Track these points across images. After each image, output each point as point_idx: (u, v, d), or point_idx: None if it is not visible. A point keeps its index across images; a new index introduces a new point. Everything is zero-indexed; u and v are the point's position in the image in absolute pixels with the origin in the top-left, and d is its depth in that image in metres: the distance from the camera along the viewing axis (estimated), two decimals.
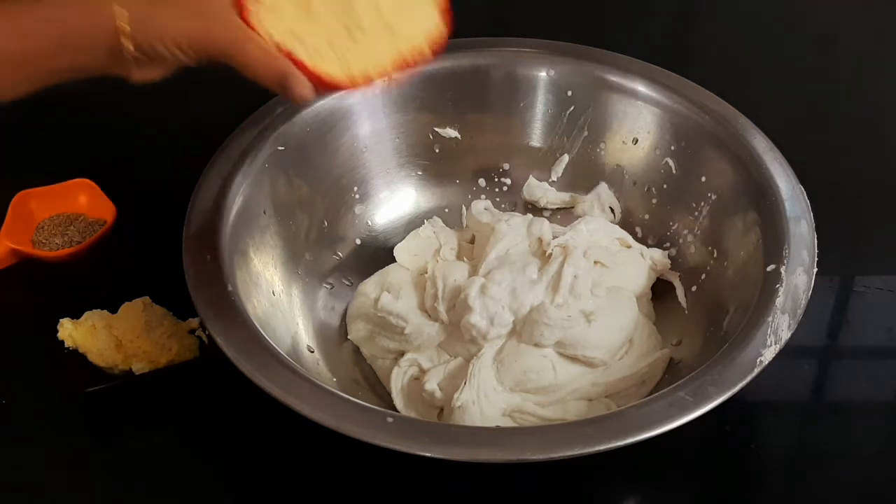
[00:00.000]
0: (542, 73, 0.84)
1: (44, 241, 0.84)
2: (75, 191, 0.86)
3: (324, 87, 0.60)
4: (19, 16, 0.54)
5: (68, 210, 0.86)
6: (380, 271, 0.80)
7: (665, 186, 0.82)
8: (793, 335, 0.63)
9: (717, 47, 1.09)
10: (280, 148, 0.77)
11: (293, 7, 0.59)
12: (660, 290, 0.79)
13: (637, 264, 0.78)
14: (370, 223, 0.85)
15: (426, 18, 0.63)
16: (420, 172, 0.86)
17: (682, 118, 0.80)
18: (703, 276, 0.77)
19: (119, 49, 0.55)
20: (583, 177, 0.85)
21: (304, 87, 0.57)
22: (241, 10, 0.57)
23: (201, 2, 0.56)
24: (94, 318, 0.74)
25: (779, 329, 0.63)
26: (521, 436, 0.61)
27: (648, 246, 0.81)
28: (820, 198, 0.72)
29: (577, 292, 0.71)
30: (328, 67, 0.59)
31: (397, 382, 0.72)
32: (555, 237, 0.75)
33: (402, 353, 0.74)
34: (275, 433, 0.70)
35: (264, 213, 0.75)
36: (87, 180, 0.86)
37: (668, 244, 0.81)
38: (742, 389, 0.60)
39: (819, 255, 0.68)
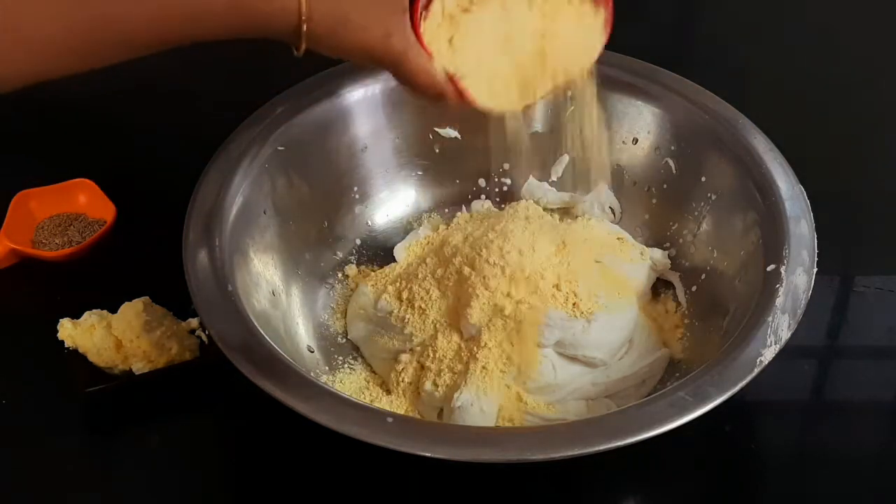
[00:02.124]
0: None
1: (44, 241, 0.84)
2: (75, 191, 0.86)
3: (470, 105, 0.61)
4: None
5: (68, 210, 0.86)
6: (379, 271, 0.80)
7: (665, 186, 0.82)
8: (793, 335, 0.63)
9: (716, 47, 1.09)
10: (280, 148, 0.77)
11: (455, 26, 0.60)
12: (660, 290, 0.80)
13: (637, 264, 0.78)
14: (370, 223, 0.85)
15: (586, 52, 0.64)
16: (420, 172, 0.86)
17: (682, 118, 0.80)
18: (703, 276, 0.77)
19: (293, 37, 0.55)
20: (583, 177, 0.85)
21: (454, 106, 0.61)
22: (414, 24, 0.58)
23: (388, 16, 0.56)
24: (94, 318, 0.73)
25: (779, 329, 0.63)
26: (521, 436, 0.61)
27: (648, 246, 0.81)
28: (820, 198, 0.72)
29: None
30: (477, 91, 0.61)
31: (397, 382, 0.73)
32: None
33: (402, 353, 0.74)
34: (275, 433, 0.70)
35: (264, 213, 0.75)
36: (87, 180, 0.86)
37: (668, 244, 0.81)
38: (742, 389, 0.60)
39: (819, 255, 0.68)
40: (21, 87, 0.50)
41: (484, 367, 0.69)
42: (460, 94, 0.61)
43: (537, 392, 0.70)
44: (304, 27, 0.54)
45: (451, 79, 0.60)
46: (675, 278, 0.79)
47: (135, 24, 0.50)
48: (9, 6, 0.48)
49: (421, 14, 0.59)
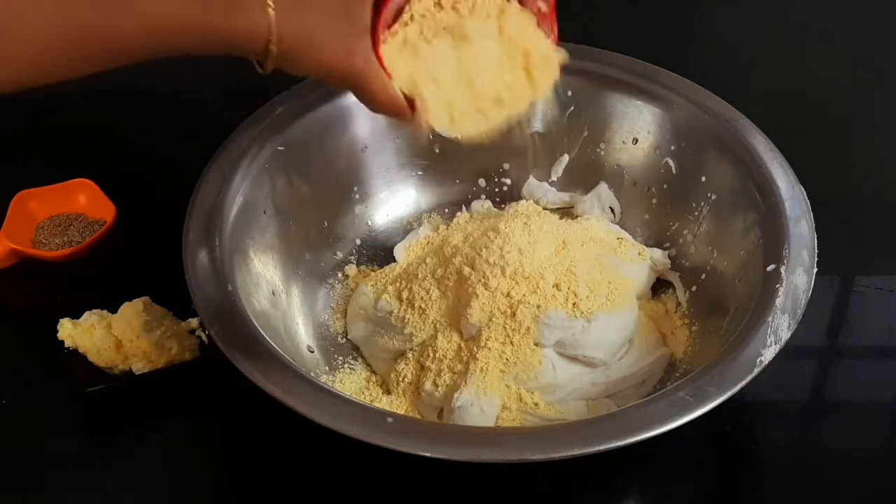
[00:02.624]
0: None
1: (44, 241, 0.84)
2: (75, 191, 0.86)
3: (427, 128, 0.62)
4: None
5: (68, 210, 0.86)
6: (379, 271, 0.80)
7: (665, 186, 0.82)
8: (793, 335, 0.63)
9: (716, 47, 1.09)
10: (280, 148, 0.77)
11: (416, 53, 0.61)
12: (660, 290, 0.80)
13: (637, 264, 0.78)
14: (370, 223, 0.85)
15: (537, 91, 0.64)
16: (420, 172, 0.86)
17: (682, 118, 0.80)
18: (703, 276, 0.77)
19: (259, 56, 0.56)
20: (583, 177, 0.85)
21: (418, 127, 0.62)
22: (374, 44, 0.59)
23: (350, 37, 0.57)
24: (93, 318, 0.73)
25: (779, 329, 0.63)
26: (521, 436, 0.61)
27: (648, 246, 0.81)
28: (820, 198, 0.72)
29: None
30: (434, 115, 0.61)
31: (397, 382, 0.73)
32: None
33: (402, 353, 0.74)
34: (275, 433, 0.70)
35: (264, 213, 0.75)
36: (87, 180, 0.86)
37: (668, 244, 0.81)
38: (742, 389, 0.60)
39: (819, 255, 0.68)
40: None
41: (484, 367, 0.69)
42: (412, 106, 0.62)
43: (537, 392, 0.70)
44: (273, 48, 0.55)
45: (409, 100, 0.61)
46: (675, 278, 0.79)
47: (98, 35, 0.51)
48: None
49: (382, 36, 0.59)
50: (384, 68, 0.59)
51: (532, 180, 0.86)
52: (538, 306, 0.69)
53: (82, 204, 0.86)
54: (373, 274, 0.80)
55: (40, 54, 0.50)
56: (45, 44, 0.50)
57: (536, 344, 0.70)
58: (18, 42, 0.49)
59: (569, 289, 0.71)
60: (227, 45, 0.55)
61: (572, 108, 0.84)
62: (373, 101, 0.60)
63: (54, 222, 0.85)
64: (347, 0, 0.57)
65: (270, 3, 0.54)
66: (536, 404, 0.70)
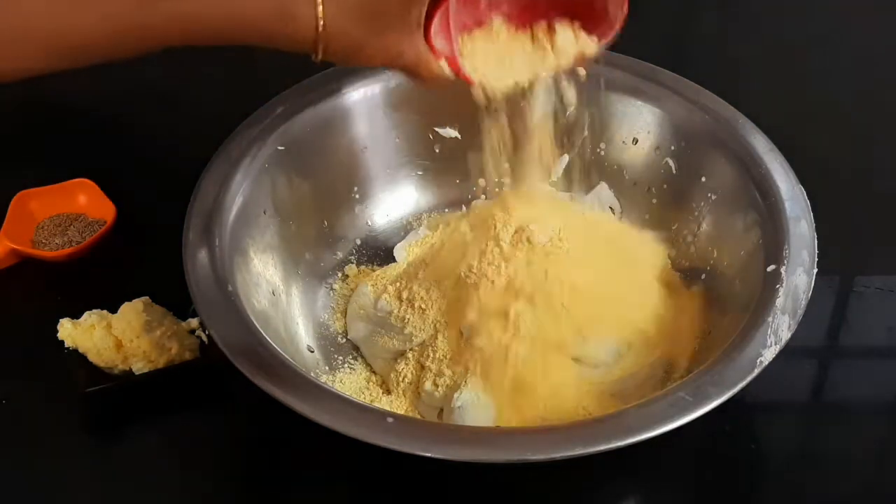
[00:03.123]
0: (543, 73, 0.83)
1: (44, 241, 0.84)
2: (75, 191, 0.86)
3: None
4: None
5: (68, 210, 0.86)
6: (380, 271, 0.80)
7: (665, 186, 0.82)
8: (793, 335, 0.63)
9: (717, 47, 1.09)
10: (280, 148, 0.77)
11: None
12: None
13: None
14: (370, 223, 0.85)
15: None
16: (420, 172, 0.86)
17: (682, 118, 0.80)
18: (703, 276, 0.77)
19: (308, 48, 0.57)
20: (583, 177, 0.85)
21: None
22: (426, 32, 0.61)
23: (401, 39, 0.59)
24: (94, 318, 0.73)
25: (779, 329, 0.63)
26: (521, 436, 0.61)
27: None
28: (820, 198, 0.72)
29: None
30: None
31: (397, 382, 0.72)
32: None
33: (402, 353, 0.74)
34: (275, 433, 0.70)
35: (264, 213, 0.75)
36: (86, 180, 0.86)
37: (668, 244, 0.81)
38: (742, 389, 0.60)
39: (819, 255, 0.68)
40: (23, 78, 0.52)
41: (484, 367, 0.69)
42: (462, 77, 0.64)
43: (537, 392, 0.70)
44: (319, 55, 0.57)
45: (454, 65, 0.63)
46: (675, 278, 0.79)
47: (135, 34, 0.54)
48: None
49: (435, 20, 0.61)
50: (434, 51, 0.61)
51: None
52: (538, 306, 0.69)
53: (82, 204, 0.86)
54: (373, 274, 0.80)
55: (83, 45, 0.53)
56: (88, 37, 0.53)
57: (536, 344, 0.70)
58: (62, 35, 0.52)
59: (569, 288, 0.71)
60: (279, 46, 0.57)
61: (572, 107, 0.84)
62: (422, 83, 0.62)
63: (54, 222, 0.85)
64: (404, 3, 0.58)
65: (321, 16, 0.55)
66: (536, 404, 0.70)
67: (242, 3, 0.54)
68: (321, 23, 0.55)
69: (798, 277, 0.66)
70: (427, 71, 0.61)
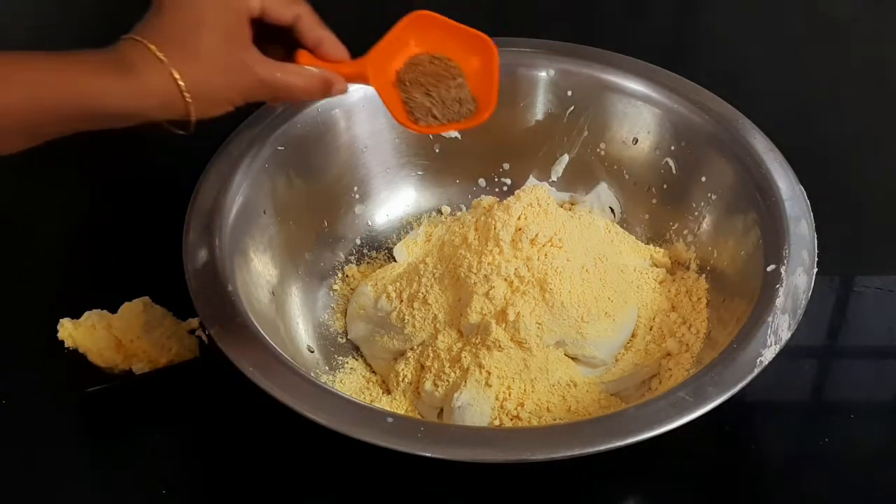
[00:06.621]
0: (543, 73, 0.84)
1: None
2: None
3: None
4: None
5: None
6: (379, 271, 0.80)
7: (665, 186, 0.82)
8: (793, 335, 0.63)
9: (716, 46, 1.09)
10: (280, 148, 0.77)
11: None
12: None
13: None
14: (370, 223, 0.85)
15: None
16: (420, 172, 0.86)
17: (682, 118, 0.80)
18: (703, 276, 0.77)
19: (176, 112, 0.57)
20: (583, 177, 0.85)
21: (342, 84, 0.63)
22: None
23: (241, 58, 0.59)
24: (94, 318, 0.73)
25: (779, 329, 0.63)
26: (521, 436, 0.61)
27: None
28: (820, 198, 0.72)
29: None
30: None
31: (397, 382, 0.72)
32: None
33: (402, 353, 0.74)
34: (275, 433, 0.70)
35: (264, 213, 0.75)
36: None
37: (668, 244, 0.81)
38: (742, 389, 0.60)
39: (819, 255, 0.68)
40: None
41: (484, 367, 0.69)
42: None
43: (537, 392, 0.70)
44: (188, 98, 0.57)
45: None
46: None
47: None
48: None
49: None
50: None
51: (532, 180, 0.86)
52: (538, 305, 0.69)
53: None
54: (373, 274, 0.80)
55: None
56: None
57: (536, 344, 0.70)
58: None
59: (569, 287, 0.71)
60: (137, 112, 0.56)
61: (572, 108, 0.84)
62: (298, 94, 0.61)
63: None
64: (226, 27, 0.58)
65: (162, 58, 0.55)
66: (536, 404, 0.70)
67: (86, 82, 0.55)
68: (177, 76, 0.55)
69: (798, 277, 0.66)
70: (287, 96, 0.61)
